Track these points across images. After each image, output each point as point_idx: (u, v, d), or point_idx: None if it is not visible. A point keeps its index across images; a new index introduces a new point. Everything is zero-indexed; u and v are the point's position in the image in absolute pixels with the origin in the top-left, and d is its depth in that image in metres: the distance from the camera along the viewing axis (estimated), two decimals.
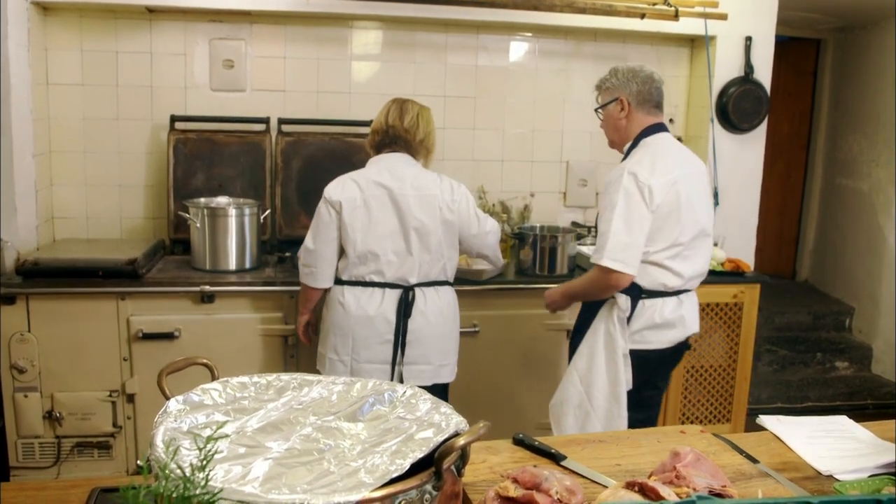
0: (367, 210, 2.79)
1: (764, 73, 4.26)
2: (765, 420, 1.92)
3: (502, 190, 4.29)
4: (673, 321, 2.73)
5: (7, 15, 3.18)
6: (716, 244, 3.93)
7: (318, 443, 1.25)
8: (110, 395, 3.24)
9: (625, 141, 2.79)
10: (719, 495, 1.39)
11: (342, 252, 2.86)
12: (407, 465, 1.14)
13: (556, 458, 1.66)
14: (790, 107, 6.31)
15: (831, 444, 1.79)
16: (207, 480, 0.99)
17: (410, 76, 4.09)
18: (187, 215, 3.40)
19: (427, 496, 1.12)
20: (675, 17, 3.91)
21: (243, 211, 3.42)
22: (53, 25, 3.69)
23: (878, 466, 1.65)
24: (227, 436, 1.22)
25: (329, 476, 1.13)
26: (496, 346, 3.52)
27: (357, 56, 4.04)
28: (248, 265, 3.44)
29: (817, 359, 5.41)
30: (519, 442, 1.75)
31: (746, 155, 4.31)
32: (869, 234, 5.57)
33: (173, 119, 3.77)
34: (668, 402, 3.70)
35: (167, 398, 1.34)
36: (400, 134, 2.88)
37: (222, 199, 3.58)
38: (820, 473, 1.65)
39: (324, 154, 3.86)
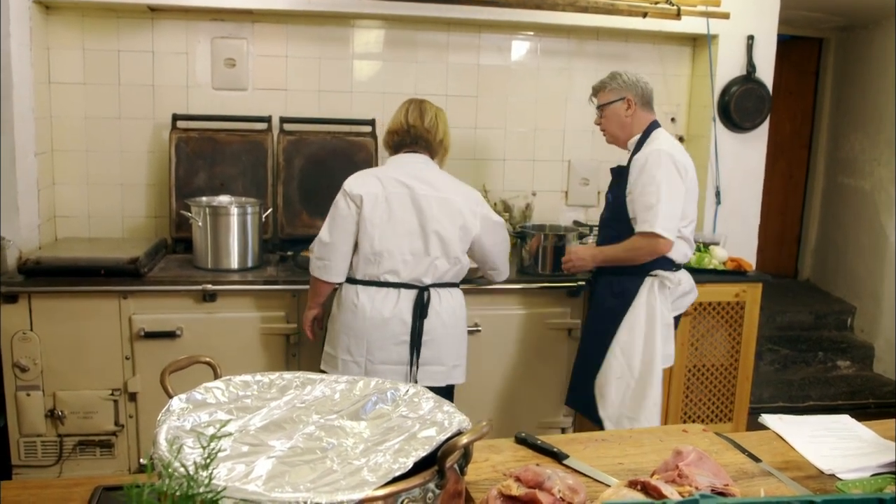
0: (388, 207, 2.78)
1: (766, 72, 4.25)
2: (767, 419, 1.92)
3: (504, 189, 4.29)
4: (691, 288, 3.15)
5: (9, 14, 3.19)
6: (717, 243, 3.93)
7: (320, 441, 1.25)
8: (112, 394, 3.24)
9: (629, 136, 3.04)
10: (722, 494, 1.39)
11: (355, 248, 2.85)
12: (410, 463, 1.14)
13: (558, 457, 1.66)
14: (792, 106, 6.30)
15: (833, 443, 1.79)
16: (211, 479, 0.99)
17: (412, 75, 4.09)
18: (189, 214, 3.40)
19: (430, 495, 1.12)
20: (678, 15, 3.91)
21: (245, 210, 3.42)
22: (55, 24, 3.69)
23: (881, 465, 1.65)
24: (230, 434, 1.22)
25: (332, 475, 1.13)
26: (498, 346, 3.52)
27: (359, 55, 4.04)
28: (249, 264, 3.44)
29: (819, 358, 5.41)
30: (521, 441, 1.75)
31: (748, 154, 4.31)
32: (871, 234, 5.57)
33: (175, 118, 3.78)
34: (671, 401, 3.70)
35: (170, 397, 1.34)
36: (421, 134, 2.89)
37: (224, 198, 3.58)
38: (822, 472, 1.66)
39: (325, 153, 3.87)
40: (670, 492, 1.31)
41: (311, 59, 3.97)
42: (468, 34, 4.12)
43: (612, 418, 2.99)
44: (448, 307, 2.91)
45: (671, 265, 3.01)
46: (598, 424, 3.02)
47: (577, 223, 4.29)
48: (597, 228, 4.04)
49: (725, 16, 4.02)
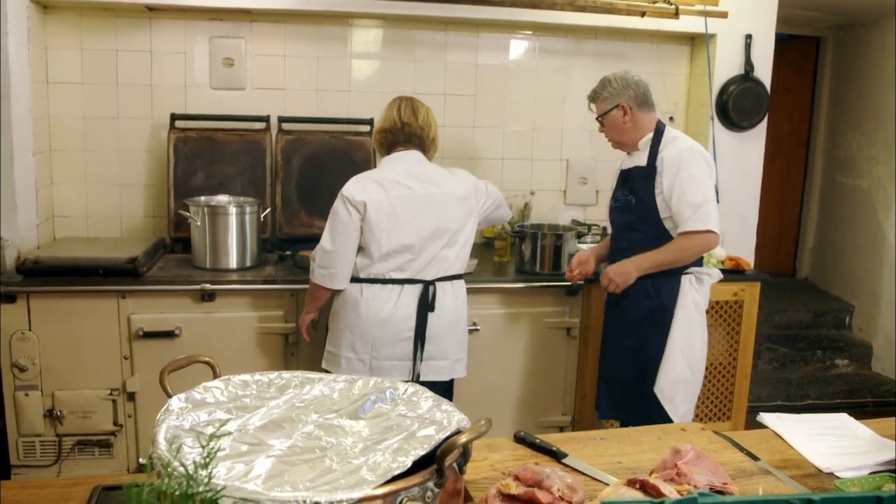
0: (393, 210, 2.78)
1: (764, 71, 4.26)
2: (765, 418, 1.92)
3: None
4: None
5: (7, 13, 3.18)
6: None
7: (320, 440, 1.26)
8: (111, 394, 3.24)
9: (635, 140, 3.01)
10: (720, 492, 1.39)
11: (359, 251, 2.84)
12: (409, 462, 1.14)
13: (557, 456, 1.66)
14: (790, 105, 6.31)
15: (832, 441, 1.80)
16: (210, 478, 0.99)
17: (410, 74, 4.09)
18: (188, 214, 3.40)
19: (429, 493, 1.12)
20: (676, 14, 3.91)
21: (244, 209, 3.42)
22: (53, 24, 3.69)
23: (879, 464, 1.65)
24: (229, 433, 1.22)
25: (331, 474, 1.13)
26: (497, 345, 3.52)
27: (357, 54, 4.04)
28: (248, 263, 3.44)
29: (817, 357, 5.42)
30: (520, 440, 1.75)
31: (746, 153, 4.31)
32: (869, 232, 5.57)
33: (173, 117, 3.77)
34: None
35: (169, 396, 1.34)
36: (416, 132, 2.90)
37: (223, 198, 3.58)
38: (820, 471, 1.66)
39: (324, 152, 3.87)
40: (669, 490, 1.31)
41: (309, 59, 3.97)
42: (466, 33, 4.12)
43: (684, 419, 2.95)
44: (452, 302, 2.93)
45: (701, 261, 3.02)
46: None
47: (575, 222, 4.29)
48: (594, 227, 4.07)
49: (723, 15, 4.02)
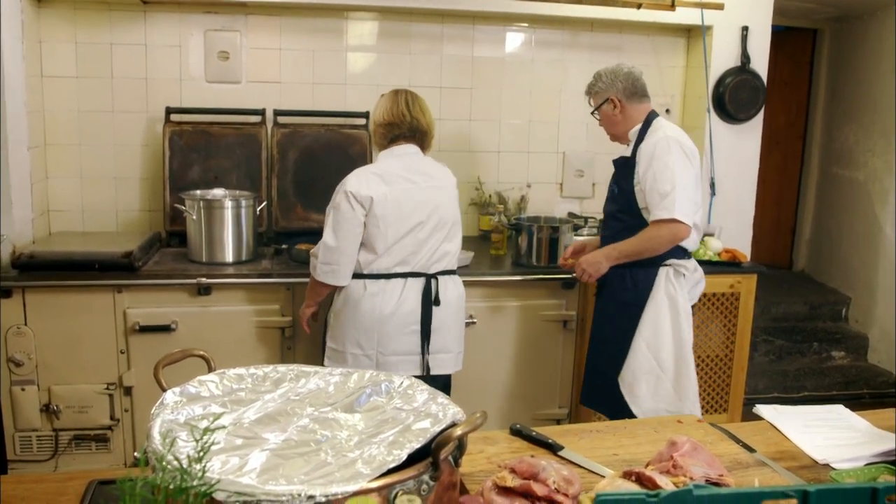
0: (397, 205, 2.77)
1: (760, 64, 4.25)
2: (761, 409, 1.92)
3: (499, 181, 4.28)
4: (701, 276, 3.08)
5: (0, 7, 3.17)
6: (712, 234, 3.94)
7: (315, 434, 1.25)
8: (107, 388, 3.24)
9: (626, 132, 3.03)
10: (716, 484, 1.40)
11: (362, 247, 2.82)
12: (404, 455, 1.14)
13: (553, 449, 1.66)
14: (787, 97, 6.30)
15: (828, 433, 1.80)
16: (204, 472, 0.99)
17: (406, 67, 4.08)
18: (183, 207, 3.39)
19: (424, 486, 1.12)
20: (672, 6, 3.91)
21: (239, 203, 3.41)
22: (47, 17, 3.67)
23: (875, 455, 1.65)
24: (223, 427, 1.22)
25: (326, 467, 1.13)
26: (493, 338, 3.52)
27: (352, 47, 4.02)
28: (244, 257, 3.43)
29: (814, 348, 5.43)
30: (516, 432, 1.75)
31: (743, 145, 4.31)
32: (865, 224, 5.57)
33: (168, 111, 3.76)
34: None
35: (164, 390, 1.34)
36: (421, 126, 2.89)
37: (218, 191, 3.57)
38: (816, 462, 1.66)
39: (320, 145, 3.86)
40: (665, 482, 1.31)
41: (304, 52, 3.96)
42: (462, 26, 4.11)
43: (649, 414, 2.89)
44: (453, 295, 2.94)
45: (683, 253, 2.97)
46: None
47: (572, 215, 4.29)
48: (591, 220, 4.07)
49: (720, 6, 4.02)
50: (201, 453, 1.00)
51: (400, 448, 1.16)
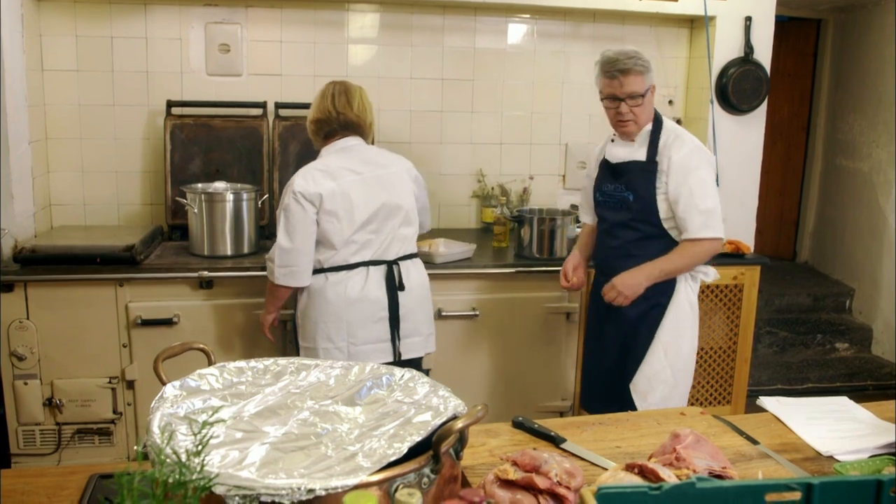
0: (346, 198, 2.75)
1: (764, 54, 4.23)
2: (765, 401, 1.92)
3: (501, 173, 4.27)
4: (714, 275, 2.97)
5: (1, 1, 3.15)
6: None
7: (315, 427, 1.25)
8: (110, 382, 3.24)
9: (643, 127, 2.81)
10: (719, 477, 1.39)
11: (318, 245, 2.80)
12: (405, 448, 1.14)
13: (555, 441, 1.66)
14: (790, 88, 6.27)
15: (831, 425, 1.79)
16: (203, 465, 0.99)
17: (407, 59, 4.06)
18: (185, 201, 3.39)
19: (425, 480, 1.12)
20: None
21: (241, 196, 3.40)
22: (47, 11, 3.66)
23: (878, 447, 1.65)
24: (222, 420, 1.21)
25: (326, 460, 1.13)
26: (495, 330, 3.52)
27: (354, 39, 4.01)
28: (245, 250, 3.42)
29: (817, 340, 5.42)
30: (518, 425, 1.75)
31: (746, 136, 4.29)
32: (869, 216, 5.55)
33: (170, 104, 3.75)
34: None
35: (164, 384, 1.33)
36: (351, 120, 2.85)
37: (220, 185, 3.56)
38: (820, 454, 1.65)
39: None
40: (668, 475, 1.31)
41: (305, 44, 3.95)
42: (464, 17, 4.09)
43: None
44: (416, 278, 2.92)
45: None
46: None
47: (574, 207, 4.27)
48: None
49: None
50: (199, 447, 0.99)
51: (401, 441, 1.16)
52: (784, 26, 5.56)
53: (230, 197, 3.38)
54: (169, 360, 1.44)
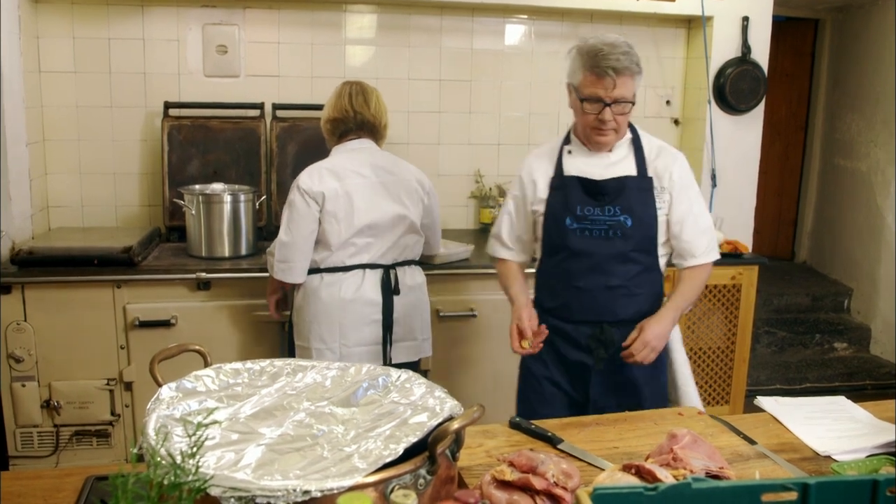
0: (349, 200, 2.76)
1: (761, 54, 4.23)
2: (762, 401, 1.92)
3: (499, 174, 4.27)
4: None
5: None
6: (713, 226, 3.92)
7: (311, 428, 1.25)
8: (108, 384, 3.23)
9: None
10: (716, 477, 1.39)
11: (317, 244, 2.81)
12: (400, 449, 1.13)
13: (552, 442, 1.66)
14: (788, 87, 6.28)
15: (829, 424, 1.79)
16: (198, 467, 0.98)
17: (405, 60, 4.06)
18: (182, 202, 3.39)
19: (421, 481, 1.11)
20: None
21: (238, 197, 3.40)
22: (45, 13, 3.66)
23: (876, 447, 1.65)
24: (217, 422, 1.21)
25: (322, 462, 1.12)
26: (493, 331, 3.51)
27: (351, 40, 4.00)
28: (243, 252, 3.42)
29: (816, 340, 5.42)
30: (515, 426, 1.75)
31: (744, 136, 4.29)
32: (867, 215, 5.56)
33: (167, 106, 3.75)
34: None
35: (159, 385, 1.33)
36: (368, 120, 2.85)
37: (217, 186, 3.55)
38: (818, 454, 1.65)
39: (319, 139, 3.78)
40: (665, 475, 1.31)
41: (303, 45, 3.94)
42: (461, 18, 4.09)
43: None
44: (413, 283, 2.92)
45: None
46: None
47: None
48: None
49: None
50: (194, 449, 0.99)
51: (396, 442, 1.16)
52: (781, 26, 5.56)
53: (228, 198, 3.38)
54: (165, 362, 1.43)
